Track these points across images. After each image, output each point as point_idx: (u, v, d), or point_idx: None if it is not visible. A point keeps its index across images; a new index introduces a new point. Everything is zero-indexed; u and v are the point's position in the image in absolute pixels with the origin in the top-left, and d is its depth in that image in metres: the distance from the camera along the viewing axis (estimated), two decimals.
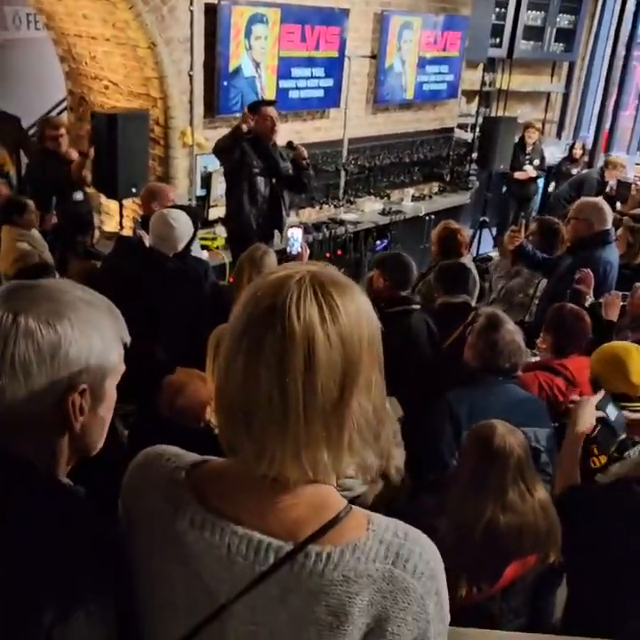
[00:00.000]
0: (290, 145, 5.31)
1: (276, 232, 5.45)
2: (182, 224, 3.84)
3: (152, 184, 5.02)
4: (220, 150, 5.09)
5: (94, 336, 1.03)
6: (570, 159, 9.23)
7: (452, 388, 3.01)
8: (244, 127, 4.98)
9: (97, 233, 5.96)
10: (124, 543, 1.03)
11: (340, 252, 7.08)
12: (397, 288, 3.74)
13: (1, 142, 5.99)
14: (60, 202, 5.19)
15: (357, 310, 0.92)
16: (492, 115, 9.40)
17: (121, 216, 5.75)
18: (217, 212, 6.16)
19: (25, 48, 9.00)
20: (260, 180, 5.17)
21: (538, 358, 3.61)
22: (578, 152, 9.21)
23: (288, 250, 4.38)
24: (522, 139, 8.47)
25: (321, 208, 7.33)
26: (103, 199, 6.26)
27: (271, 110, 5.17)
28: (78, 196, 5.44)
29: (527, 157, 8.43)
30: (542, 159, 8.58)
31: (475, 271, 4.46)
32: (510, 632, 1.53)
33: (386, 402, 0.98)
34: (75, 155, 5.41)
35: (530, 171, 8.30)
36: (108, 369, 1.07)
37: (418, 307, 3.77)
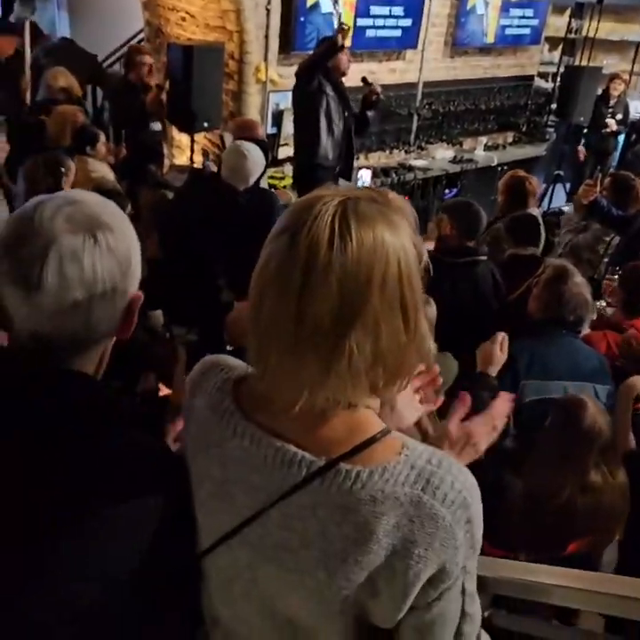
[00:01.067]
0: (364, 80, 5.25)
1: (343, 182, 5.37)
2: (255, 156, 3.82)
3: (241, 118, 5.03)
4: (307, 67, 5.04)
5: (135, 247, 1.07)
6: None
7: (515, 338, 2.97)
8: (340, 39, 4.93)
9: (166, 163, 6.01)
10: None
11: (407, 199, 6.98)
12: (465, 237, 3.68)
13: (76, 75, 6.05)
14: (135, 132, 5.25)
15: (376, 248, 0.87)
16: (576, 63, 9.01)
17: (192, 150, 5.79)
18: (287, 151, 6.13)
19: None
20: (336, 110, 5.11)
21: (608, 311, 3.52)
22: None
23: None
24: (606, 90, 8.05)
25: (391, 153, 7.22)
26: (175, 132, 6.30)
27: (346, 55, 5.13)
28: (156, 126, 5.48)
29: (610, 110, 8.06)
30: (626, 113, 8.17)
31: (542, 225, 4.35)
32: (540, 565, 1.53)
33: (410, 352, 0.93)
34: (154, 83, 5.44)
35: (611, 124, 7.95)
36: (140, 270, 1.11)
37: (484, 258, 3.71)
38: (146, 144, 5.05)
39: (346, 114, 5.19)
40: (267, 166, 4.55)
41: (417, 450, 0.96)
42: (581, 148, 7.97)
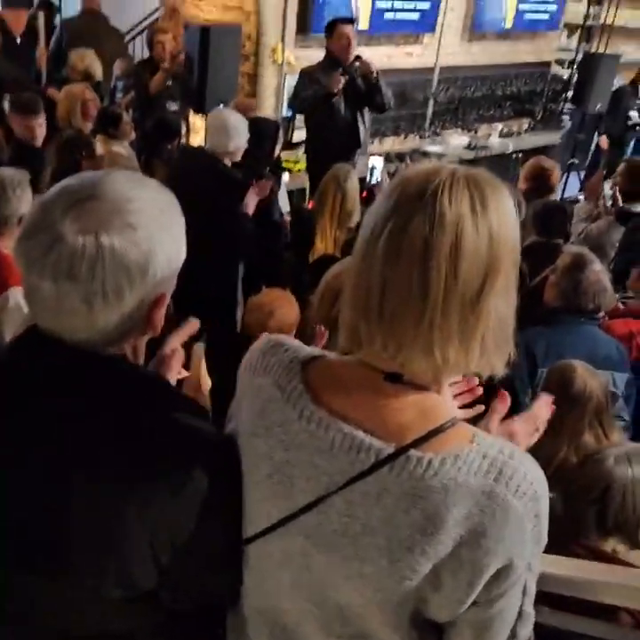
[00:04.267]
0: (357, 58, 5.02)
1: (357, 153, 5.26)
2: (236, 121, 3.70)
3: (240, 100, 5.01)
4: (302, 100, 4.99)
5: (168, 241, 1.00)
6: None
7: (532, 325, 2.96)
8: (334, 89, 4.83)
9: (183, 141, 5.97)
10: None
11: None
12: None
13: (99, 54, 6.02)
14: (153, 111, 5.22)
15: (506, 211, 0.92)
16: (593, 51, 8.92)
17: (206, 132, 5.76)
18: (301, 134, 6.10)
19: None
20: (339, 101, 5.01)
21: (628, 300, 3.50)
22: None
23: (368, 179, 4.30)
24: (636, 80, 7.88)
25: (405, 137, 7.19)
26: (190, 115, 6.27)
27: (347, 28, 4.94)
28: (173, 106, 5.44)
29: (638, 102, 7.89)
30: None
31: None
32: (612, 566, 1.53)
33: (513, 313, 0.96)
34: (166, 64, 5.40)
35: (634, 116, 7.81)
36: (179, 266, 1.06)
37: None
38: (164, 121, 5.00)
39: (348, 101, 5.01)
40: (281, 149, 4.54)
41: (488, 440, 0.94)
42: (603, 138, 7.88)
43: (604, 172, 7.98)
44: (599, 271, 2.95)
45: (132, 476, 0.97)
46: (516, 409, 2.72)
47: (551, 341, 2.88)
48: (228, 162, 3.70)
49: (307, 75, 5.03)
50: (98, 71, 5.53)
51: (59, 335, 0.99)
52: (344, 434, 0.94)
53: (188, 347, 3.15)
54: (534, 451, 2.17)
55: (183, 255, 1.06)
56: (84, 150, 3.39)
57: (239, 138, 3.70)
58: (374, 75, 4.97)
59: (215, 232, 3.55)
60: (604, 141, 7.88)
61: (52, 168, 3.48)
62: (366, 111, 5.15)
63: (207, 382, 3.04)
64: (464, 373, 0.96)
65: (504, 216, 0.91)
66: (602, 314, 3.05)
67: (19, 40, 6.29)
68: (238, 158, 3.75)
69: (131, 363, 1.07)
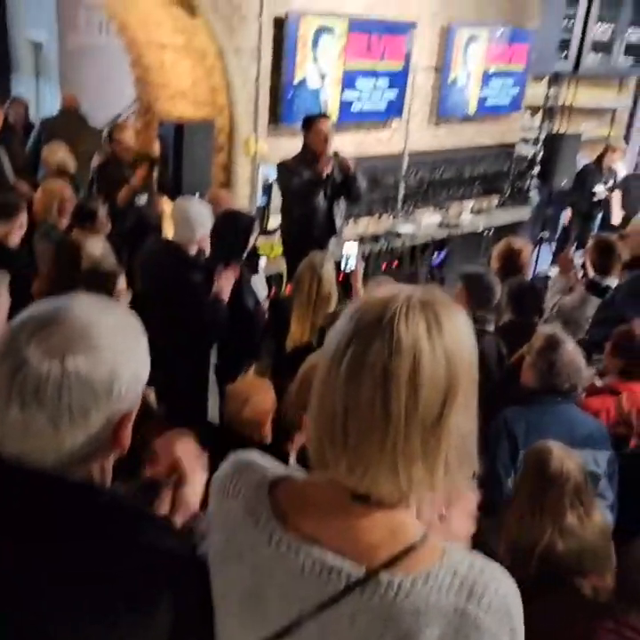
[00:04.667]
0: (335, 155, 5.18)
1: (332, 240, 5.38)
2: (197, 212, 3.79)
3: (213, 192, 5.11)
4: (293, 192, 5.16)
5: (133, 360, 1.04)
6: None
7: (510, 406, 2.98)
8: (325, 173, 5.04)
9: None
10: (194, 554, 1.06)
11: (396, 265, 7.07)
12: (476, 307, 3.72)
13: (72, 146, 6.18)
14: (127, 205, 5.32)
15: (460, 329, 0.95)
16: (555, 129, 9.29)
17: None
18: (277, 221, 6.22)
19: (95, 55, 9.28)
20: (315, 192, 5.17)
21: (598, 381, 3.54)
22: None
23: (343, 265, 4.38)
24: (600, 158, 8.05)
25: (379, 219, 7.34)
26: (166, 207, 6.40)
27: (324, 124, 5.13)
28: (141, 200, 5.56)
29: (603, 179, 8.15)
30: (615, 180, 8.28)
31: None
32: None
33: (476, 429, 0.97)
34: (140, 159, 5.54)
35: (600, 192, 8.05)
36: (144, 382, 1.08)
37: (491, 328, 3.75)
38: (139, 217, 5.09)
39: (327, 191, 5.18)
40: (257, 236, 4.60)
41: (457, 555, 0.94)
42: (567, 213, 8.13)
43: (575, 244, 8.22)
44: (572, 351, 3.00)
45: (98, 603, 0.96)
46: (499, 492, 2.73)
47: (531, 422, 2.90)
48: (194, 249, 3.80)
49: (285, 167, 5.18)
50: (70, 164, 5.68)
51: (25, 460, 0.98)
52: (314, 558, 0.94)
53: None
54: (517, 536, 2.17)
55: (147, 372, 1.08)
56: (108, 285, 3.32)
57: (202, 227, 3.80)
58: (352, 170, 5.18)
59: (184, 320, 3.63)
60: (567, 216, 8.13)
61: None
62: (342, 200, 5.31)
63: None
64: (429, 492, 0.96)
65: (459, 335, 0.94)
66: (579, 392, 3.08)
67: None
68: (206, 245, 3.84)
69: (97, 486, 1.06)
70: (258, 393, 2.83)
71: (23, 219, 4.04)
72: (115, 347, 1.01)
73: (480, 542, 2.19)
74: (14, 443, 0.99)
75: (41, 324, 0.99)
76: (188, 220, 3.76)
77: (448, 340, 0.92)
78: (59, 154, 5.70)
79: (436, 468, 0.92)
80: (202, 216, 3.82)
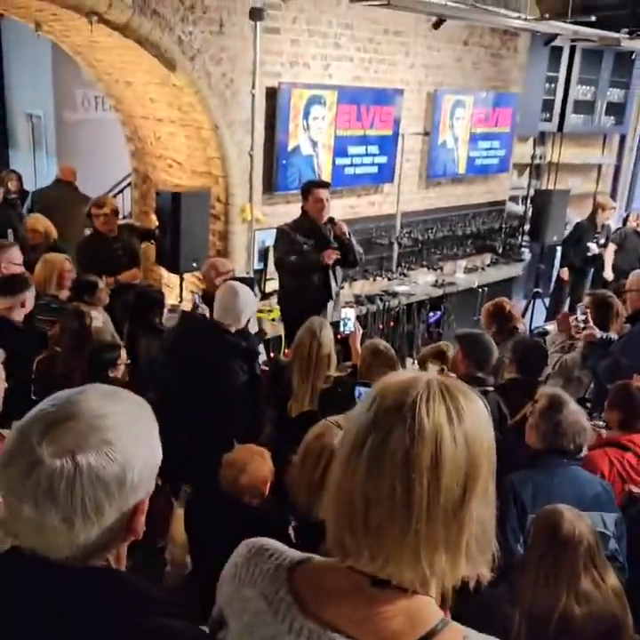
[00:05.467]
0: (331, 221, 5.35)
1: (329, 304, 5.45)
2: (247, 295, 3.88)
3: (213, 260, 5.18)
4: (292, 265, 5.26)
5: (145, 448, 1.05)
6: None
7: (516, 469, 2.97)
8: (330, 262, 5.21)
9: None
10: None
11: (392, 324, 7.12)
12: (475, 367, 3.74)
13: (65, 216, 6.31)
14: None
15: (480, 415, 0.96)
16: (544, 186, 9.49)
17: (181, 289, 5.93)
18: (274, 284, 6.29)
19: (92, 128, 9.51)
20: (314, 270, 5.26)
21: (603, 432, 3.55)
22: (633, 223, 9.07)
23: (341, 329, 4.42)
24: (593, 215, 8.21)
25: (374, 280, 7.42)
26: (163, 272, 6.46)
27: (322, 192, 5.27)
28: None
29: (596, 236, 8.27)
30: (607, 236, 8.41)
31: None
32: None
33: (494, 514, 0.98)
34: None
35: (593, 249, 8.15)
36: (156, 468, 1.09)
37: (491, 389, 3.76)
38: (146, 294, 5.09)
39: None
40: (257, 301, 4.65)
41: (478, 639, 0.95)
42: (565, 270, 8.22)
43: (569, 299, 8.29)
44: (576, 411, 3.00)
45: None
46: (508, 556, 2.70)
47: (537, 485, 2.88)
48: (233, 329, 3.85)
49: (285, 233, 5.28)
50: (51, 230, 5.85)
51: (42, 553, 1.00)
52: None
53: (166, 516, 3.10)
54: (532, 603, 2.14)
55: (159, 459, 1.09)
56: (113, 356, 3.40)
57: (250, 311, 3.92)
58: (347, 236, 5.30)
59: (216, 391, 3.66)
60: (565, 273, 8.21)
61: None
62: (338, 268, 5.42)
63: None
64: (452, 582, 0.95)
65: (478, 421, 0.95)
66: (584, 452, 3.07)
67: None
68: (242, 325, 3.90)
69: (112, 572, 1.07)
70: (254, 460, 2.84)
71: (26, 294, 4.05)
72: (126, 437, 1.02)
73: (499, 610, 2.17)
74: (29, 539, 1.01)
75: (53, 423, 1.00)
76: (237, 308, 3.82)
77: (468, 427, 0.93)
78: (41, 222, 5.92)
79: (458, 555, 0.92)
80: (250, 302, 3.92)
